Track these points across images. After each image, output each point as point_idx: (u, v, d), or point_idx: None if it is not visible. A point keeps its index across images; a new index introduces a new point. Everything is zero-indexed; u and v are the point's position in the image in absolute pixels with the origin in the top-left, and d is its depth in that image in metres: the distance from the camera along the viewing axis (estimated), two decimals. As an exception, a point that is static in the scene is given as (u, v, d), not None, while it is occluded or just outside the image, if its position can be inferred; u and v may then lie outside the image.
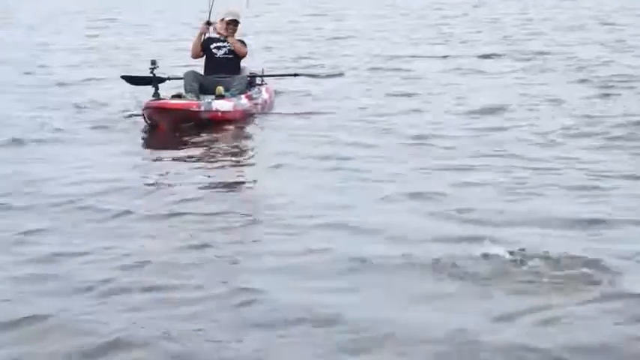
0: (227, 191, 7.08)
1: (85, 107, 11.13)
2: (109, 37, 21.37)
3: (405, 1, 32.17)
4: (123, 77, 11.25)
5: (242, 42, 10.95)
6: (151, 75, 10.22)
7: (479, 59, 15.28)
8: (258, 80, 11.43)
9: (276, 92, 11.72)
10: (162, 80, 10.52)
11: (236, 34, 10.91)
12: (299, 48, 18.17)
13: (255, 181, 7.50)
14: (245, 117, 10.28)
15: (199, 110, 9.78)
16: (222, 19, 10.89)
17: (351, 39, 19.60)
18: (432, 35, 20.06)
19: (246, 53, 10.94)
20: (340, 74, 12.42)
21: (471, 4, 29.66)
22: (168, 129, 9.53)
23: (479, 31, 20.65)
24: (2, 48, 18.77)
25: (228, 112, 10.07)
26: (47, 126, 9.84)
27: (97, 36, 21.62)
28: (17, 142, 8.89)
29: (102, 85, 12.98)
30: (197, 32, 10.98)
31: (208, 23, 10.88)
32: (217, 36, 10.90)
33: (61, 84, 13.23)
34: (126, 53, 17.16)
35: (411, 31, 21.19)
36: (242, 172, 7.88)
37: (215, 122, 9.87)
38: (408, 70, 14.08)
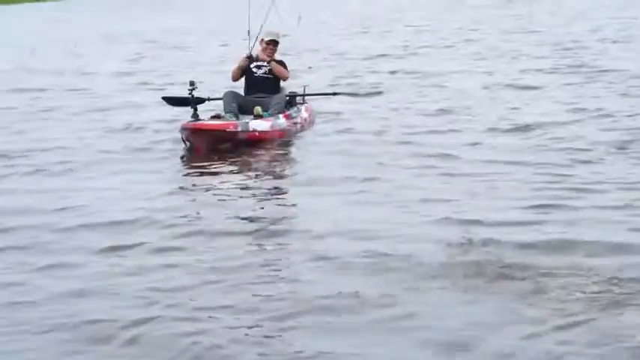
0: (259, 220, 6.74)
1: (122, 131, 11.11)
2: (151, 60, 21.46)
3: (451, 16, 31.95)
4: (163, 98, 11.22)
5: (283, 63, 10.92)
6: (190, 96, 10.23)
7: (523, 73, 15.05)
8: (298, 99, 11.40)
9: (317, 111, 11.61)
10: (201, 101, 10.53)
11: (276, 54, 10.90)
12: (342, 66, 18.09)
13: (290, 209, 7.24)
14: (283, 136, 10.21)
15: (236, 131, 9.72)
16: (262, 40, 10.86)
17: (394, 57, 19.45)
18: (476, 50, 19.85)
19: (287, 77, 10.92)
20: (379, 93, 12.38)
21: (518, 16, 29.39)
22: (206, 150, 9.48)
23: (524, 45, 20.39)
24: (45, 73, 18.94)
25: (266, 132, 10.00)
26: (80, 152, 9.79)
27: (139, 60, 21.75)
28: (46, 170, 8.80)
29: (142, 109, 12.92)
30: (237, 63, 10.92)
31: (249, 58, 10.86)
32: (258, 56, 10.89)
33: (100, 109, 13.16)
34: (167, 76, 17.16)
35: (455, 46, 21.01)
36: (276, 198, 7.63)
37: (253, 142, 9.80)
38: (450, 87, 13.87)
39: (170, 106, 11.07)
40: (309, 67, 17.61)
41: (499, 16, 30.16)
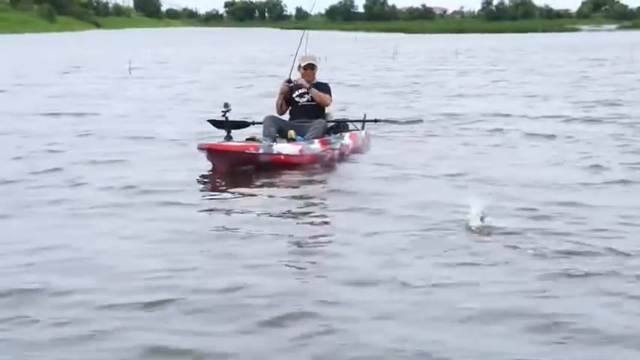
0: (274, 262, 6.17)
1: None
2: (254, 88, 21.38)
3: (551, 64, 31.13)
4: (209, 121, 11.05)
5: (327, 86, 10.73)
6: (224, 118, 10.14)
7: (584, 122, 13.95)
8: (357, 125, 11.13)
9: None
10: (241, 124, 10.54)
11: (316, 77, 10.80)
12: (411, 100, 17.75)
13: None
14: (315, 161, 9.87)
15: (257, 153, 9.47)
16: (299, 66, 10.73)
17: (473, 96, 18.89)
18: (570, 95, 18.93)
19: (329, 103, 10.74)
20: (419, 121, 12.00)
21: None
22: (226, 171, 9.24)
23: (617, 92, 19.44)
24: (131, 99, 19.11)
25: (294, 155, 9.69)
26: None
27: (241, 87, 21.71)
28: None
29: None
30: (278, 91, 10.79)
31: (289, 82, 10.75)
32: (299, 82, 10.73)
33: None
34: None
35: (540, 90, 20.20)
36: (287, 234, 6.94)
37: (279, 165, 9.51)
38: (516, 130, 12.93)
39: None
40: (382, 100, 17.30)
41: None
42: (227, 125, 10.16)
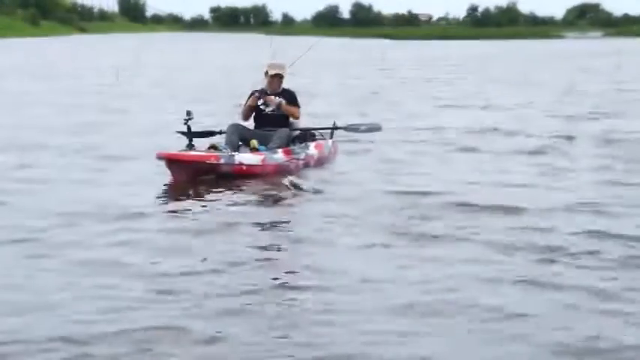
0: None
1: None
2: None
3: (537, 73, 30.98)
4: (177, 132, 10.88)
5: (293, 95, 10.57)
6: (186, 127, 10.00)
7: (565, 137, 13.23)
8: (325, 134, 10.98)
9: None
10: (202, 133, 10.35)
11: (283, 84, 10.63)
12: (394, 110, 17.67)
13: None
14: (278, 171, 9.68)
15: (218, 163, 9.30)
16: (267, 73, 10.55)
17: (455, 107, 18.68)
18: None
19: (298, 116, 10.61)
20: (378, 128, 11.60)
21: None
22: (185, 182, 9.11)
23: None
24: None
25: (256, 165, 9.55)
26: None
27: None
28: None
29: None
30: (249, 101, 10.55)
31: (260, 93, 10.52)
32: (266, 89, 10.59)
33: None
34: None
35: (522, 102, 19.96)
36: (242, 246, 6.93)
37: (240, 176, 9.36)
38: (490, 144, 12.59)
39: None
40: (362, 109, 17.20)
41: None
42: (189, 133, 10.00)
